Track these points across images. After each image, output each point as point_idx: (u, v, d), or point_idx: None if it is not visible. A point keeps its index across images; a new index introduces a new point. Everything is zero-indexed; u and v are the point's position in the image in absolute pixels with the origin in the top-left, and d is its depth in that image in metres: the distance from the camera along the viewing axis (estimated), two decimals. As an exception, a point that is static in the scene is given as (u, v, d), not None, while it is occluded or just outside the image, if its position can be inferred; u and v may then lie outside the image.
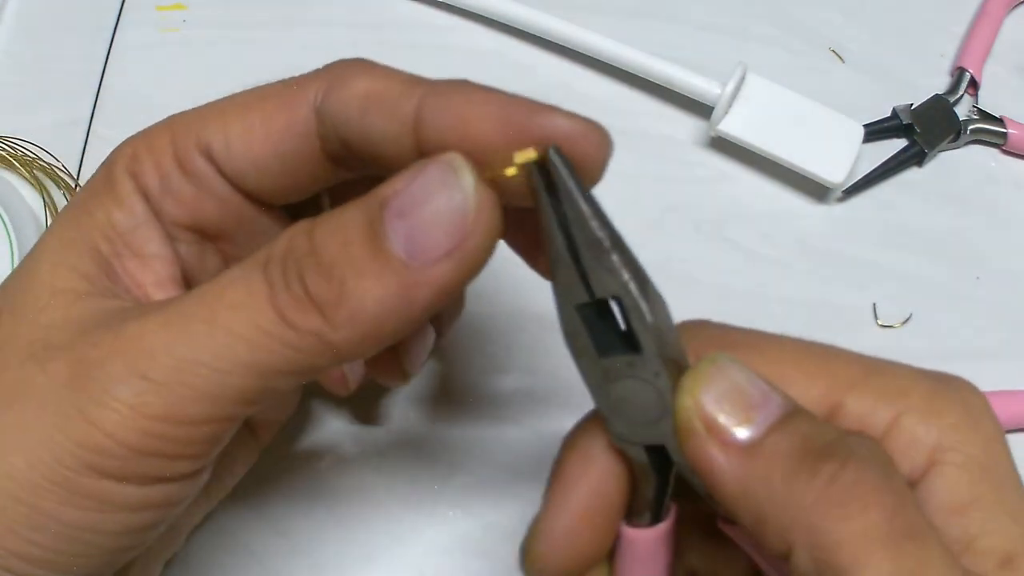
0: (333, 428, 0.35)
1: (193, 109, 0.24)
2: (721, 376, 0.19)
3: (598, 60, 0.43)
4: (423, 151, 0.21)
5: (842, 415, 0.20)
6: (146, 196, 0.23)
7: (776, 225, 0.41)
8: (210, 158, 0.23)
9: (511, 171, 0.20)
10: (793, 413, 0.19)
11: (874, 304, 0.39)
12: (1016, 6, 0.47)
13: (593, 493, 0.21)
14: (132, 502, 0.20)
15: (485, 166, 0.20)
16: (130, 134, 0.24)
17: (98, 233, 0.23)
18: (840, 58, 0.45)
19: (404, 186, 0.19)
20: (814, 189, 0.41)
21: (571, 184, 0.19)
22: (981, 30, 0.45)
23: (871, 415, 0.20)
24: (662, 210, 0.41)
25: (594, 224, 0.19)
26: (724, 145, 0.41)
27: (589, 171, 0.20)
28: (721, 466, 0.19)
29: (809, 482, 0.18)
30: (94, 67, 0.43)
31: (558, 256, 0.19)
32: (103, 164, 0.24)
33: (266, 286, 0.20)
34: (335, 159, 0.23)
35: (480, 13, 0.44)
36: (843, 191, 0.41)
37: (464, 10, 0.44)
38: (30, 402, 0.20)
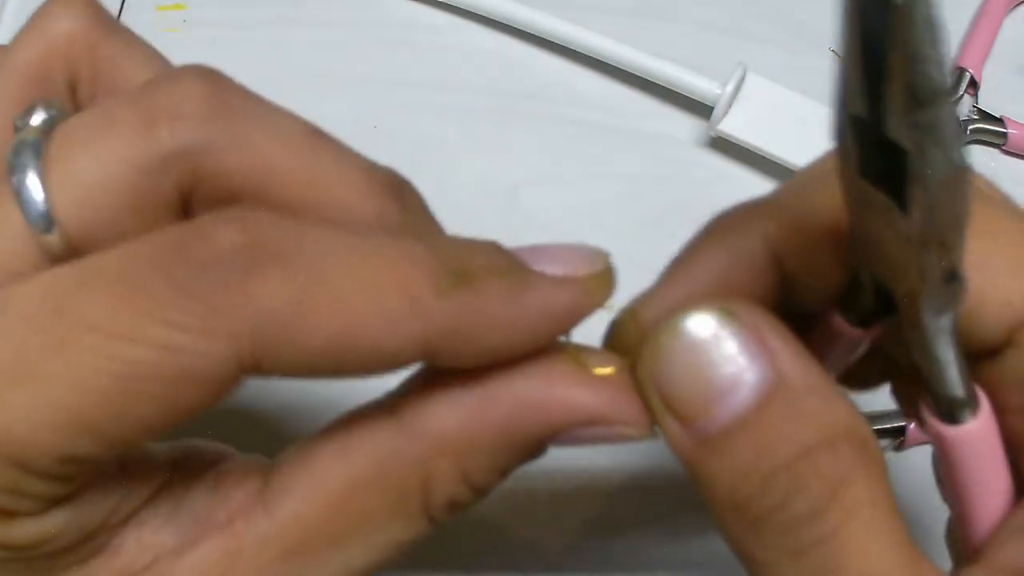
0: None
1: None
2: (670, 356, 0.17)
3: (598, 60, 0.43)
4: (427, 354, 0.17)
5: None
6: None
7: (776, 225, 0.41)
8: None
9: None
10: (767, 401, 0.16)
11: (874, 304, 0.39)
12: (1016, 6, 0.47)
13: (723, 276, 0.19)
14: None
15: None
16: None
17: None
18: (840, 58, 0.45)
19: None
20: (814, 189, 0.41)
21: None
22: (981, 30, 0.45)
23: None
24: (662, 210, 0.41)
25: (924, 58, 0.14)
26: (724, 145, 0.41)
27: (565, 325, 0.18)
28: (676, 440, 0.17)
29: (737, 517, 0.17)
30: (94, 67, 0.43)
31: (851, 64, 0.15)
32: None
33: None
34: None
35: (480, 13, 0.44)
36: (843, 191, 0.41)
37: (464, 10, 0.44)
38: None
